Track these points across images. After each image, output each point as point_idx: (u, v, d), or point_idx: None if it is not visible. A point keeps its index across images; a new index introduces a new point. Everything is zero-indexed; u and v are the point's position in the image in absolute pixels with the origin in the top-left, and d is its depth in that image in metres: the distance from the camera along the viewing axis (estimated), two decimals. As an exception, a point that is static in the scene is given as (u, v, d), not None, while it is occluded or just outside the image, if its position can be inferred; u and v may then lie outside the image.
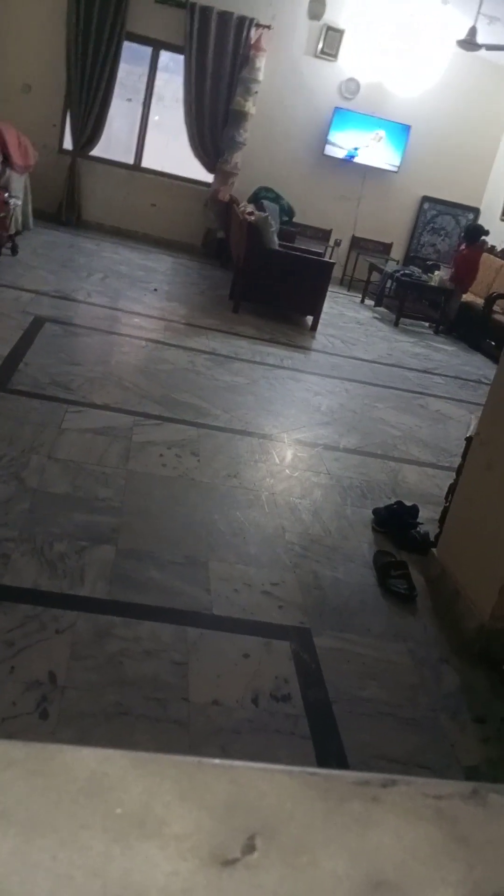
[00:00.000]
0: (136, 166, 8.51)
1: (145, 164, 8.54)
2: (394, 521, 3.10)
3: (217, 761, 0.44)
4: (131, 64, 8.26)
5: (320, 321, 6.49)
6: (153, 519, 2.73)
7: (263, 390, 4.54)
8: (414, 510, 3.17)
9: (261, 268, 6.21)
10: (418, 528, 3.08)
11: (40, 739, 1.61)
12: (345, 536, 2.93)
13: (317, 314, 6.46)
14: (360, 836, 0.41)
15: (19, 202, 6.63)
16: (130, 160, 8.49)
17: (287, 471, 3.44)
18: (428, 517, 3.18)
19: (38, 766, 0.40)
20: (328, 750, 1.88)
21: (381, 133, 8.57)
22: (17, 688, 1.80)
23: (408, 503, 3.18)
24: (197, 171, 8.51)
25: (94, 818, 0.38)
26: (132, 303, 5.85)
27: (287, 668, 2.12)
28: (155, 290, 6.46)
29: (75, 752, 0.41)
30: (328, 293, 6.52)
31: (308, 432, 4.00)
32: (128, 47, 7.94)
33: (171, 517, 2.77)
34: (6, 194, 5.95)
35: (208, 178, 8.46)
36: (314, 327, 6.45)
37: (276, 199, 8.33)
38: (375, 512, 3.17)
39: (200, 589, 2.37)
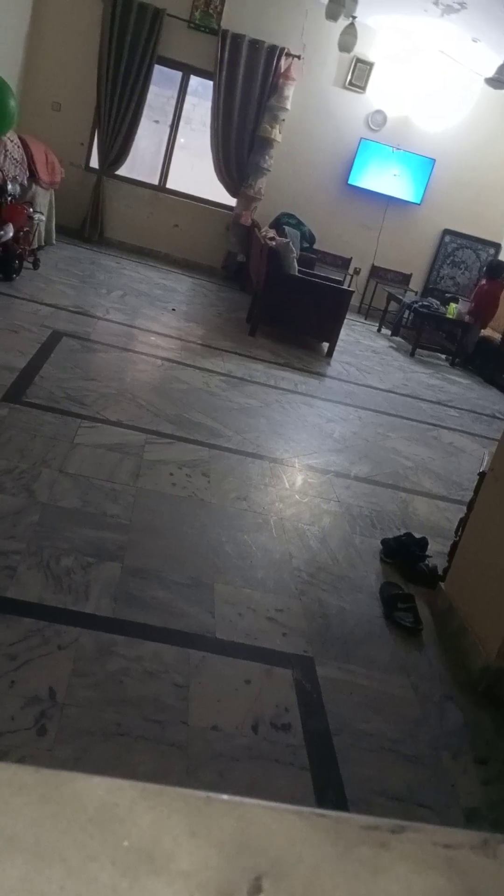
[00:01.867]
0: (161, 187, 8.62)
1: (170, 185, 8.65)
2: (402, 553, 3.08)
3: (226, 797, 0.43)
4: (161, 87, 8.41)
5: (336, 348, 6.51)
6: (161, 538, 2.72)
7: (276, 414, 4.55)
8: (423, 542, 3.15)
9: (279, 292, 6.25)
10: (427, 562, 3.06)
11: (37, 757, 1.59)
12: (352, 565, 2.91)
13: (333, 341, 6.48)
14: (369, 883, 0.40)
15: (43, 217, 6.73)
16: (155, 181, 8.61)
17: (297, 496, 3.44)
18: (437, 550, 3.16)
19: (49, 792, 0.40)
20: (327, 783, 1.85)
21: (401, 170, 8.66)
22: (16, 702, 1.79)
23: (417, 535, 3.16)
24: (220, 194, 8.61)
25: (102, 849, 0.38)
26: (150, 321, 5.90)
27: (288, 697, 2.10)
28: (173, 309, 6.51)
29: (86, 780, 0.41)
30: (345, 321, 6.55)
31: (319, 458, 4.00)
32: (158, 70, 8.08)
33: (178, 537, 2.76)
34: (31, 209, 6.04)
35: (231, 201, 8.56)
36: (330, 354, 6.47)
37: (298, 225, 8.41)
38: (384, 542, 3.15)
39: (205, 611, 2.35)
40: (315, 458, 3.98)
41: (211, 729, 1.90)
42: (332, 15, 6.79)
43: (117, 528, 2.70)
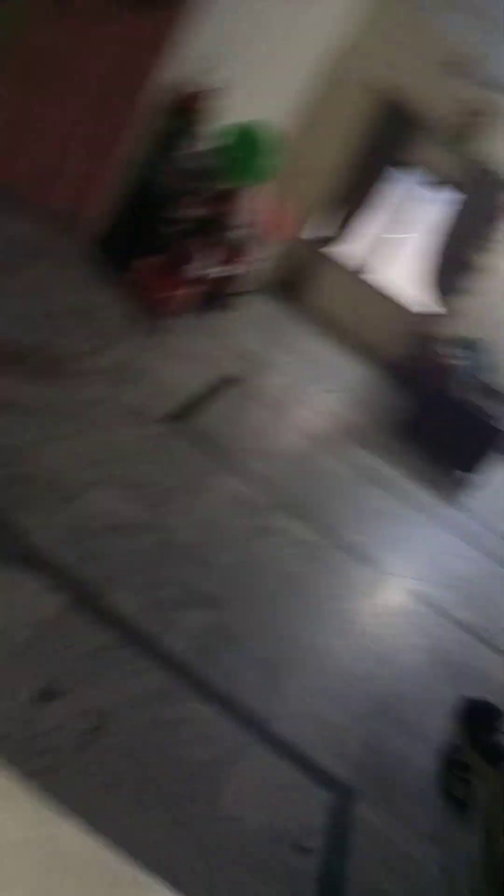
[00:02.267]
0: (367, 272, 8.86)
1: (374, 275, 8.86)
2: (476, 718, 2.92)
3: None
4: (399, 184, 8.68)
5: (484, 485, 6.34)
6: (255, 607, 2.74)
7: (400, 527, 4.48)
8: (499, 715, 2.97)
9: (439, 409, 6.21)
10: (499, 736, 2.88)
11: (68, 773, 1.62)
12: (424, 711, 2.79)
13: (481, 475, 6.32)
14: None
15: (258, 267, 7.07)
16: (363, 267, 8.85)
17: (393, 617, 3.35)
18: (513, 733, 2.97)
19: None
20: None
21: None
22: (70, 709, 1.84)
23: (499, 706, 2.99)
24: (420, 297, 8.72)
25: None
26: (313, 395, 6.01)
27: (318, 821, 2.03)
28: (338, 391, 6.61)
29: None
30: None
31: (428, 588, 3.89)
32: (402, 171, 8.37)
33: (271, 612, 2.77)
34: (249, 257, 6.37)
35: (428, 308, 8.64)
36: (475, 487, 6.30)
37: (481, 352, 8.34)
38: (462, 700, 3.00)
39: (269, 698, 2.33)
40: (424, 586, 3.87)
41: (234, 819, 1.86)
42: None
43: (220, 579, 2.74)
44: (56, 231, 4.74)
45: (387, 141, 8.05)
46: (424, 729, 2.70)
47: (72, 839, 0.46)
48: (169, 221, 4.97)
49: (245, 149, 5.40)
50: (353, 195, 8.31)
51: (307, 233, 8.66)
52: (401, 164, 8.18)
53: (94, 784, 1.70)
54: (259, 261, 6.95)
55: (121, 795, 1.72)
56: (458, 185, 8.21)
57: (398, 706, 2.73)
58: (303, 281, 8.71)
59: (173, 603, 2.44)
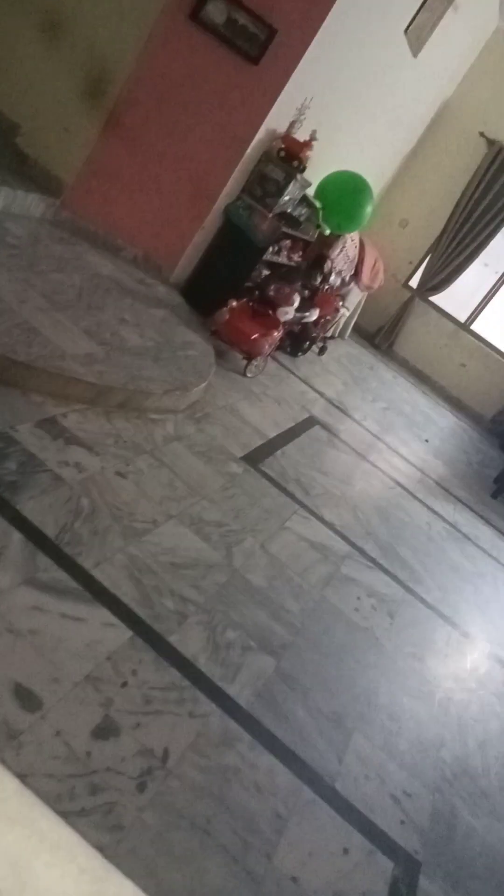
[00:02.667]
0: (466, 326, 8.71)
1: (475, 327, 8.71)
2: None
3: None
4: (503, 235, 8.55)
5: None
6: (323, 657, 2.64)
7: (488, 588, 4.28)
8: None
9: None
10: None
11: (125, 812, 1.58)
12: (502, 787, 2.60)
13: None
14: None
15: (347, 313, 7.09)
16: (462, 318, 8.71)
17: (474, 683, 3.17)
18: None
19: None
20: None
21: None
22: (132, 746, 1.80)
23: None
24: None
25: None
26: (399, 443, 5.90)
27: (380, 890, 1.90)
28: (426, 440, 6.47)
29: None
30: None
31: (511, 654, 3.68)
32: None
33: (339, 664, 2.66)
34: (341, 303, 6.39)
35: (527, 364, 8.40)
36: None
37: None
38: (545, 779, 2.78)
39: (334, 754, 2.23)
40: (507, 652, 3.67)
41: (290, 879, 1.76)
42: None
43: (288, 626, 2.67)
44: (146, 271, 4.89)
45: (498, 193, 7.96)
46: (500, 806, 2.51)
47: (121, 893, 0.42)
48: (262, 265, 5.05)
49: (342, 197, 5.45)
50: (458, 245, 8.23)
51: (407, 280, 8.63)
52: None
53: (147, 828, 1.65)
54: (350, 307, 6.96)
55: (174, 842, 1.66)
56: None
57: (474, 780, 2.56)
58: (397, 328, 8.66)
59: (240, 647, 2.38)
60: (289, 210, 4.98)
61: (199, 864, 1.66)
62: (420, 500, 4.91)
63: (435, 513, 4.87)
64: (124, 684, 1.94)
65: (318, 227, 5.56)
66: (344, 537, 3.63)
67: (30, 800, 0.46)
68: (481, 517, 5.44)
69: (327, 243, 6.02)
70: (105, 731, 1.79)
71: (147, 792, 1.72)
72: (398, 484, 4.95)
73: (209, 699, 2.10)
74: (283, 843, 1.84)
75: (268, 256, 5.00)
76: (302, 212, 5.21)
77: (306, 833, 1.91)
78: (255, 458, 3.77)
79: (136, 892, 0.42)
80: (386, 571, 3.59)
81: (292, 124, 4.80)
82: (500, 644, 3.72)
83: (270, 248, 4.96)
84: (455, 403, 8.71)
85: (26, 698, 1.73)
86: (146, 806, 1.69)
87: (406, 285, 8.69)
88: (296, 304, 4.95)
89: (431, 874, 2.05)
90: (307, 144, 4.73)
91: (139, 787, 1.72)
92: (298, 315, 5.16)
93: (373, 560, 3.61)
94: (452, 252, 8.28)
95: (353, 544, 3.62)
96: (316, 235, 5.65)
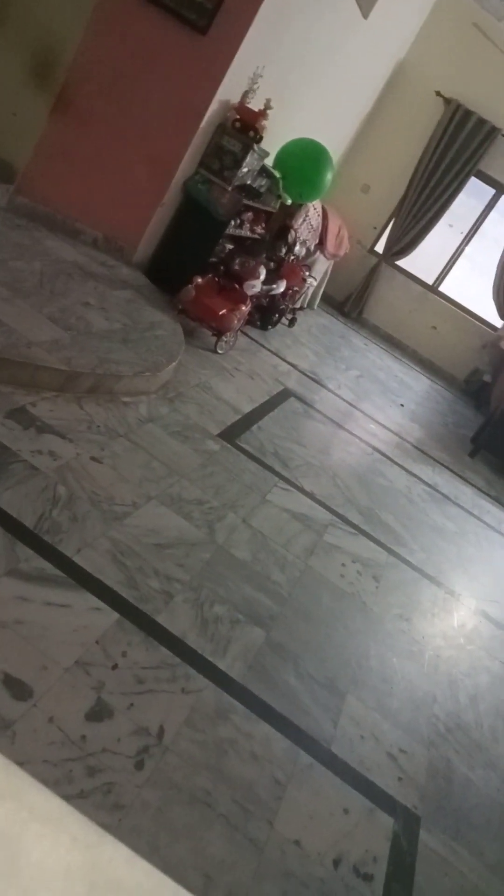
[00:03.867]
0: (433, 288, 8.71)
1: (443, 288, 8.72)
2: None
3: None
4: (467, 195, 8.54)
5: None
6: (311, 624, 2.67)
7: (470, 546, 4.33)
8: None
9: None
10: None
11: (124, 791, 1.59)
12: (496, 738, 2.65)
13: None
14: None
15: (315, 283, 7.06)
16: (430, 280, 8.72)
17: (461, 639, 3.22)
18: None
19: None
20: None
21: None
22: (127, 726, 1.81)
23: None
24: (489, 312, 8.53)
25: None
26: (375, 409, 5.92)
27: (381, 847, 1.93)
28: (402, 405, 6.49)
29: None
30: None
31: (499, 610, 3.73)
32: (471, 181, 8.23)
33: (328, 631, 2.69)
34: (307, 273, 6.36)
35: (498, 322, 8.44)
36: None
37: None
38: (537, 726, 2.84)
39: (329, 718, 2.25)
40: (495, 609, 3.72)
41: (293, 842, 1.79)
42: None
43: (275, 596, 2.68)
44: (108, 252, 4.82)
45: (458, 152, 7.93)
46: (495, 759, 2.56)
47: (119, 863, 0.42)
48: (225, 240, 5.00)
49: (301, 165, 5.39)
50: (421, 207, 8.21)
51: (372, 246, 8.60)
52: (473, 175, 8.03)
53: (147, 805, 1.66)
54: (317, 276, 6.92)
55: (175, 816, 1.67)
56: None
57: (467, 733, 2.61)
58: (365, 295, 8.64)
59: (229, 621, 2.39)
60: (248, 182, 4.92)
61: (201, 835, 1.68)
62: (399, 465, 4.94)
63: (414, 476, 4.91)
64: (115, 667, 1.95)
65: (279, 197, 5.51)
66: (325, 506, 3.65)
67: (18, 774, 0.45)
68: (460, 477, 5.49)
69: (290, 213, 5.97)
70: (99, 713, 1.80)
71: (145, 770, 1.73)
72: (376, 450, 4.98)
73: (201, 674, 2.11)
74: (283, 808, 1.86)
75: (230, 230, 4.94)
76: (262, 183, 5.16)
77: (306, 797, 1.94)
78: (231, 435, 3.76)
79: (130, 856, 0.42)
80: (369, 537, 3.62)
81: (246, 94, 4.73)
82: (486, 600, 3.77)
83: (232, 222, 4.91)
84: (428, 366, 8.74)
85: (16, 688, 1.72)
86: (145, 783, 1.70)
87: (372, 251, 8.67)
88: (262, 277, 4.92)
89: (431, 827, 2.09)
90: (262, 114, 4.66)
91: (137, 765, 1.73)
92: (265, 288, 5.12)
93: (355, 526, 3.63)
94: (416, 215, 8.26)
95: (334, 512, 3.64)
96: (278, 206, 5.61)
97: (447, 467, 5.52)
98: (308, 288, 6.69)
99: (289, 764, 2.00)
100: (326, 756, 2.11)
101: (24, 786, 0.44)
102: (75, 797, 1.59)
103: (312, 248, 6.67)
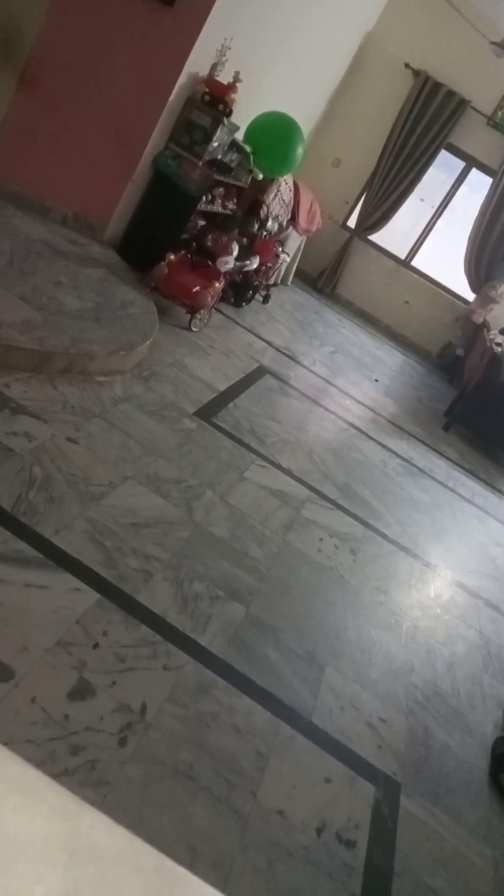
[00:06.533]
0: (406, 262, 8.72)
1: (415, 263, 8.72)
2: (527, 711, 2.83)
3: None
4: (438, 168, 8.52)
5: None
6: (290, 599, 2.69)
7: (444, 518, 4.39)
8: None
9: (487, 398, 6.06)
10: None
11: (109, 768, 1.60)
12: (472, 705, 2.71)
13: (525, 464, 6.17)
14: None
15: (288, 259, 7.02)
16: (402, 255, 8.72)
17: (438, 610, 3.27)
18: None
19: (161, 885, 0.39)
20: (372, 924, 1.71)
21: None
22: (109, 704, 1.82)
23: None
24: (461, 286, 8.56)
25: None
26: (350, 385, 5.94)
27: (363, 814, 1.98)
28: (376, 380, 6.52)
29: (201, 888, 0.39)
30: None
31: (474, 580, 3.79)
32: (442, 155, 8.22)
33: (307, 605, 2.72)
34: (280, 248, 6.32)
35: (470, 296, 8.47)
36: (518, 476, 6.16)
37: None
38: (512, 692, 2.91)
39: (309, 690, 2.29)
40: (470, 578, 3.78)
41: (276, 812, 1.82)
42: None
43: (254, 572, 2.70)
44: (78, 230, 4.76)
45: (428, 125, 7.90)
46: (472, 725, 2.62)
47: (98, 832, 0.42)
48: (197, 216, 4.95)
49: (272, 139, 5.34)
50: (392, 181, 8.18)
51: (344, 221, 8.57)
52: (443, 148, 8.01)
53: (131, 780, 1.68)
54: (290, 252, 6.89)
55: (159, 791, 1.69)
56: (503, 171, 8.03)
57: (445, 700, 2.66)
58: (338, 270, 8.62)
59: (208, 598, 2.41)
60: (219, 156, 4.87)
61: (186, 808, 1.70)
62: (374, 439, 4.97)
63: (389, 450, 4.95)
64: (96, 646, 1.95)
65: (251, 171, 5.46)
66: (302, 482, 3.67)
67: None
68: (435, 450, 5.54)
69: (261, 188, 5.92)
70: (81, 692, 1.81)
71: (128, 746, 1.75)
72: (351, 425, 5.00)
73: (182, 651, 2.13)
74: (266, 779, 1.89)
75: (202, 206, 4.89)
76: (233, 157, 5.10)
77: (288, 767, 1.97)
78: (207, 413, 3.75)
79: (110, 825, 0.43)
80: (346, 511, 3.65)
81: (214, 67, 4.66)
82: (462, 570, 3.83)
83: (204, 198, 4.85)
84: (401, 341, 8.77)
85: (-2, 669, 1.72)
86: (129, 759, 1.71)
87: (344, 226, 8.64)
88: (235, 253, 4.88)
89: (411, 793, 2.14)
90: (231, 87, 4.60)
91: (120, 742, 1.74)
92: (238, 264, 5.09)
93: (332, 501, 3.66)
94: (387, 188, 8.24)
95: (311, 488, 3.66)
96: (249, 181, 5.55)
97: (421, 441, 5.57)
98: (281, 264, 6.65)
99: (271, 736, 2.03)
100: (307, 727, 2.14)
101: (2, 759, 0.45)
102: (59, 775, 1.60)
103: (285, 223, 6.63)
